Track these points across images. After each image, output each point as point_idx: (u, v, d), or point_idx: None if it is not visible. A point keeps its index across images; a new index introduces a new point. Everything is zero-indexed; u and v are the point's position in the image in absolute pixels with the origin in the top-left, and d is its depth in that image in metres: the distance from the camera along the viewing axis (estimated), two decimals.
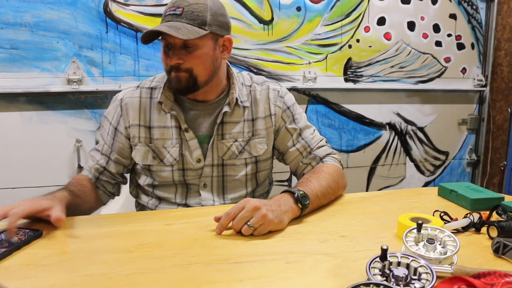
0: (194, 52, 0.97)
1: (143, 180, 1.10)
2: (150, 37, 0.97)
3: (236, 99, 1.07)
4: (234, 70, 1.12)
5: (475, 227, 0.81)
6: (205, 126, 1.07)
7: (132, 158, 1.08)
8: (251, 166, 1.10)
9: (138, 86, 1.10)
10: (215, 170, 1.07)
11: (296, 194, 0.87)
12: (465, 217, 0.83)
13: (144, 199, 1.12)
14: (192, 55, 0.97)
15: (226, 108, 1.05)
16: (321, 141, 1.13)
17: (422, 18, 2.43)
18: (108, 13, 1.89)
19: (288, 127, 1.12)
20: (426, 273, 0.56)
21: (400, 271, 0.56)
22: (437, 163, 2.67)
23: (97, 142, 1.10)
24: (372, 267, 0.57)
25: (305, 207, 0.88)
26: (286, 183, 2.31)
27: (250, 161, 1.10)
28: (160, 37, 0.98)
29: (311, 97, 2.30)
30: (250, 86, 1.12)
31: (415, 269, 0.57)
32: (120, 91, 1.12)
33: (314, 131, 1.14)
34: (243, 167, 1.09)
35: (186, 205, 1.07)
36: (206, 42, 0.98)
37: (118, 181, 1.12)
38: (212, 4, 0.97)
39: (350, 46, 2.31)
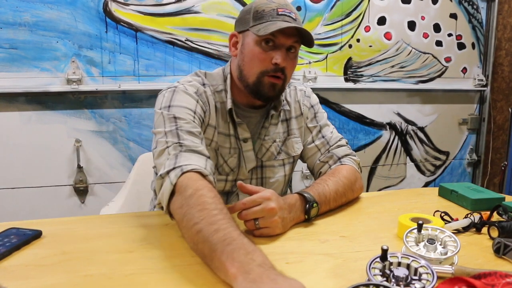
0: (294, 56, 0.95)
1: None
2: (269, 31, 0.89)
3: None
4: None
5: (476, 227, 0.81)
6: (255, 133, 1.05)
7: None
8: (289, 166, 1.10)
9: (204, 84, 0.99)
10: (254, 173, 1.05)
11: (307, 206, 0.85)
12: (465, 217, 0.83)
13: None
14: (293, 59, 0.95)
15: (272, 111, 1.04)
16: (340, 140, 1.10)
17: (423, 18, 2.43)
18: (107, 12, 1.89)
19: (309, 125, 1.12)
20: (427, 273, 0.56)
21: (401, 272, 0.56)
22: (438, 163, 2.67)
23: (187, 133, 0.86)
24: (372, 268, 0.57)
25: (310, 219, 0.86)
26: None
27: (287, 162, 1.09)
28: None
29: None
30: None
31: (416, 270, 0.57)
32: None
33: (333, 129, 1.13)
34: (281, 168, 1.08)
35: None
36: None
37: None
38: None
39: (350, 46, 2.31)
